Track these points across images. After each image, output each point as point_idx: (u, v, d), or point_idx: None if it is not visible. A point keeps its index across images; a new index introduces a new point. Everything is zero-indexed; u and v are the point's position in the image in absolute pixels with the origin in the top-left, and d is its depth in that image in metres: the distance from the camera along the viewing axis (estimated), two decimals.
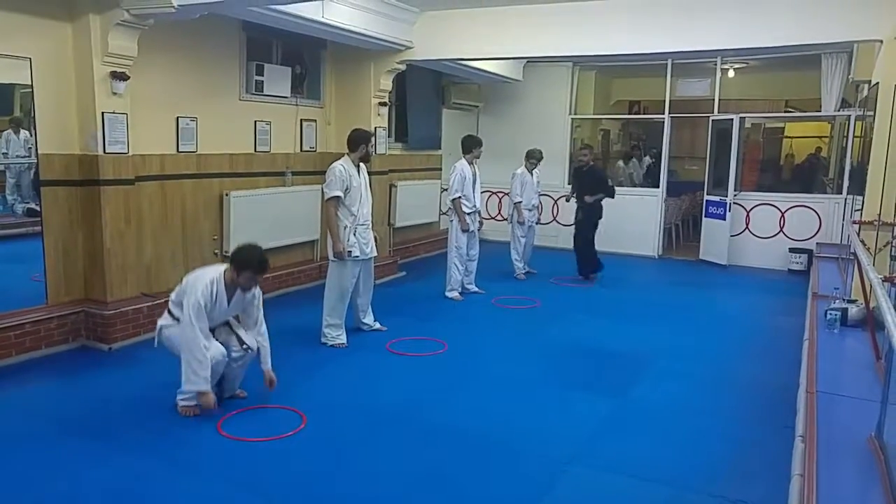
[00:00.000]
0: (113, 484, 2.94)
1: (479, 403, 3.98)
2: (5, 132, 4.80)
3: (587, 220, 7.23)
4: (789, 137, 11.97)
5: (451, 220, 6.44)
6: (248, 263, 3.50)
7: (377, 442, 3.43)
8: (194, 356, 3.43)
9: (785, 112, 10.91)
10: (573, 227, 7.51)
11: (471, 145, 6.43)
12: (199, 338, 3.42)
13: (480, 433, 3.54)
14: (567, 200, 7.88)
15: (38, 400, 3.92)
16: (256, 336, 3.76)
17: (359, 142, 4.88)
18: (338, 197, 4.77)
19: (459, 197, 6.30)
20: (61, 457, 3.16)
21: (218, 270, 3.60)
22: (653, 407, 3.98)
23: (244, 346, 3.71)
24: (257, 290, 3.71)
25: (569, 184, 8.54)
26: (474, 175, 6.40)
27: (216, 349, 3.56)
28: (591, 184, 7.19)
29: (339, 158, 5.01)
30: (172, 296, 3.65)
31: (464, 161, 6.40)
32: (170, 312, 3.63)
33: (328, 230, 4.88)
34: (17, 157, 4.79)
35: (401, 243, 8.36)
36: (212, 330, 3.61)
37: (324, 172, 7.04)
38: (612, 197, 7.22)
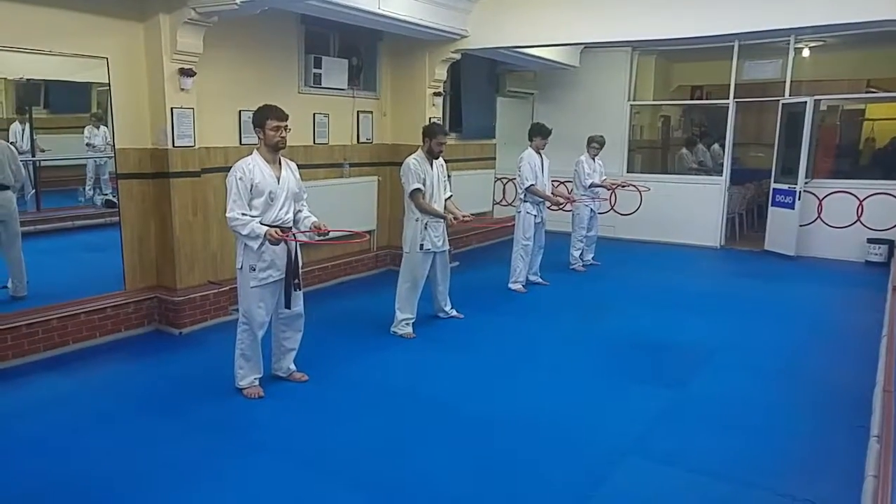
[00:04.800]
0: (184, 460, 3.11)
1: (538, 393, 3.97)
2: (87, 126, 5.11)
3: None
4: (870, 120, 11.27)
5: (519, 212, 6.35)
6: None
7: (433, 429, 3.48)
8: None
9: (866, 93, 10.27)
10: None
11: (535, 133, 6.34)
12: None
13: (538, 422, 3.55)
14: None
15: (119, 380, 4.17)
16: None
17: (423, 136, 4.94)
18: (419, 189, 4.79)
19: (534, 184, 6.23)
20: (139, 434, 3.37)
21: None
22: (714, 400, 3.87)
23: (296, 282, 3.80)
24: None
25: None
26: (542, 163, 6.33)
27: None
28: None
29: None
30: None
31: (530, 149, 6.33)
32: None
33: (424, 212, 4.86)
34: (99, 151, 5.10)
35: (454, 233, 8.32)
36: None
37: (380, 164, 7.27)
38: None
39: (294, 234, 3.73)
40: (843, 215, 8.04)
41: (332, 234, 3.82)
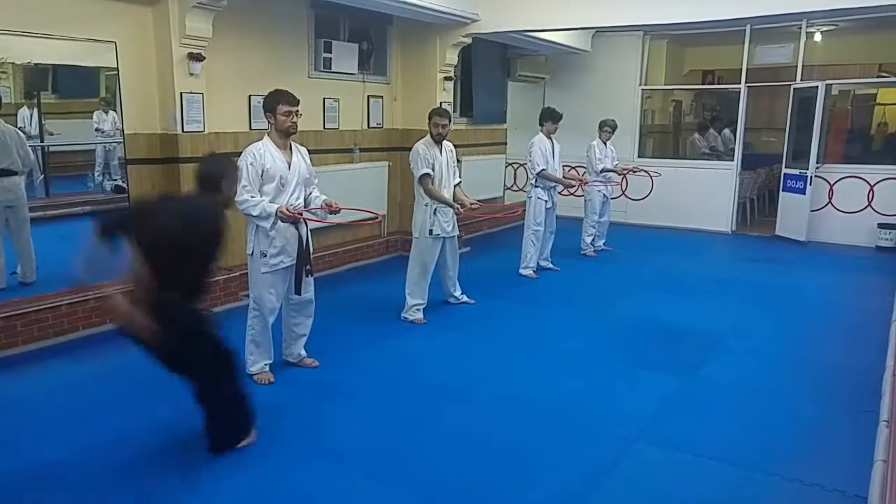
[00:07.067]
0: (193, 447, 3.12)
1: (547, 378, 3.98)
2: (96, 111, 5.11)
3: None
4: (882, 104, 11.14)
5: (530, 197, 6.30)
6: None
7: (443, 414, 3.50)
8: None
9: (878, 77, 10.13)
10: None
11: (545, 118, 6.29)
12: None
13: (548, 408, 3.56)
14: None
15: (128, 366, 4.11)
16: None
17: (427, 120, 4.91)
18: (428, 174, 4.77)
19: (545, 169, 6.18)
20: (148, 420, 3.39)
21: None
22: (723, 386, 3.88)
23: (307, 268, 3.80)
24: None
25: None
26: (553, 148, 6.28)
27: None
28: None
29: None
30: None
31: (541, 134, 6.27)
32: None
33: (433, 197, 4.84)
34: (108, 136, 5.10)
35: (464, 219, 8.30)
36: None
37: (390, 149, 7.25)
38: None
39: (303, 213, 3.72)
40: (854, 200, 7.99)
41: (344, 212, 3.82)
